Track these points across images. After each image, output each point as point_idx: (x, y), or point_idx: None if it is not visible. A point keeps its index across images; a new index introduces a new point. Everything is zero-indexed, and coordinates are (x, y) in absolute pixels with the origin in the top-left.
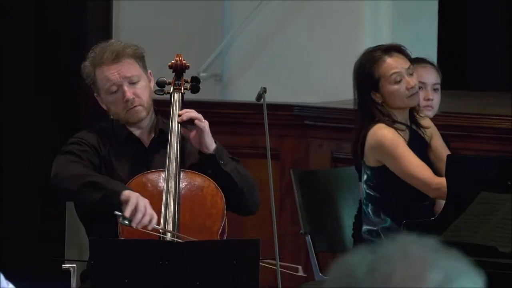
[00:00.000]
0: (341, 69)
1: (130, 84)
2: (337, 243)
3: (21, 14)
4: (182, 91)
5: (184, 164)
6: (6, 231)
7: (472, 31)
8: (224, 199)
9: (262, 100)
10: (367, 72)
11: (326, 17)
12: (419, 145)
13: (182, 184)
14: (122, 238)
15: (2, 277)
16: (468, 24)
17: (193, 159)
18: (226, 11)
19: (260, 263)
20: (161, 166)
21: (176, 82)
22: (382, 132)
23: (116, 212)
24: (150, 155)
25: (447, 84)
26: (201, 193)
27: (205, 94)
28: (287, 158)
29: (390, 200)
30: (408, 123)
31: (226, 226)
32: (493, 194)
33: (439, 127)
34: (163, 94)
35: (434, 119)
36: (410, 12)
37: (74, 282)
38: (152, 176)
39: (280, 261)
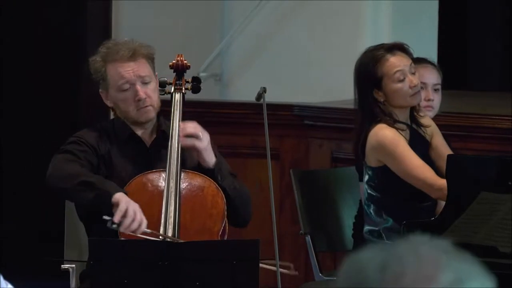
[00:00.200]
0: (341, 69)
1: (142, 83)
2: (337, 243)
3: (21, 14)
4: (183, 91)
5: (185, 164)
6: (5, 231)
7: (472, 31)
8: (224, 200)
9: (262, 100)
10: (369, 71)
11: (326, 17)
12: (420, 145)
13: (183, 184)
14: (122, 239)
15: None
16: (469, 24)
17: (194, 160)
18: (225, 11)
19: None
20: (162, 166)
21: (177, 82)
22: (383, 133)
23: (105, 217)
24: (151, 155)
25: (448, 84)
26: (202, 193)
27: (205, 94)
28: (287, 158)
29: (392, 200)
30: (409, 123)
31: (227, 227)
32: (493, 194)
33: (440, 127)
34: (163, 94)
35: (434, 119)
36: (410, 12)
37: (73, 283)
38: (153, 176)
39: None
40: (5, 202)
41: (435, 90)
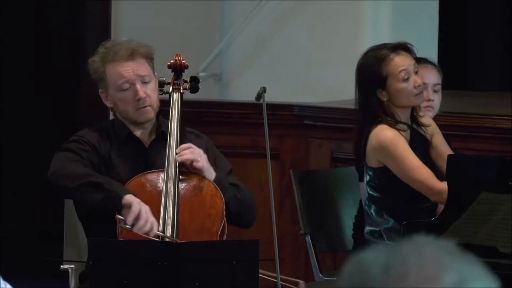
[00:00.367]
0: (341, 69)
1: (142, 83)
2: (337, 244)
3: (21, 14)
4: (181, 91)
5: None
6: (5, 231)
7: (472, 31)
8: (223, 199)
9: (261, 100)
10: (374, 70)
11: (326, 17)
12: (420, 145)
13: (181, 185)
14: (121, 239)
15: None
16: (469, 24)
17: None
18: (225, 10)
19: (260, 275)
20: (161, 166)
21: (175, 82)
22: (384, 133)
23: (119, 216)
24: (150, 155)
25: (448, 84)
26: (200, 193)
27: (205, 94)
28: (287, 158)
29: (393, 201)
30: (409, 123)
31: (226, 227)
32: (493, 194)
33: (440, 127)
34: (162, 94)
35: (434, 119)
36: (410, 12)
37: (72, 283)
38: (151, 176)
39: (279, 261)
40: (5, 202)
41: (435, 90)
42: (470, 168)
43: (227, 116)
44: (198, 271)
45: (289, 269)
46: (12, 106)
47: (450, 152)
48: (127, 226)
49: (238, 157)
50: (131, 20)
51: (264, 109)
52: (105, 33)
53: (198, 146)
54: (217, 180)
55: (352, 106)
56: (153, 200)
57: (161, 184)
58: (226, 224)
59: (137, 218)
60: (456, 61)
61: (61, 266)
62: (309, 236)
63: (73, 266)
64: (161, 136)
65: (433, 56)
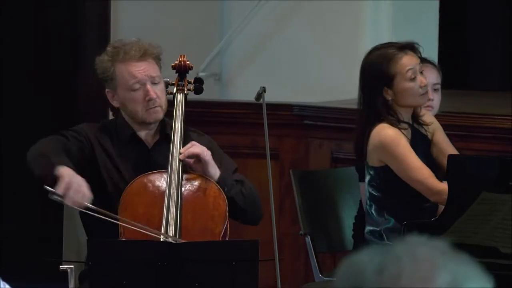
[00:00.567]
0: (341, 69)
1: (152, 84)
2: (337, 244)
3: (21, 14)
4: (185, 92)
5: (187, 165)
6: (5, 232)
7: (472, 30)
8: (226, 201)
9: (261, 99)
10: (381, 69)
11: (326, 17)
12: (421, 143)
13: (185, 186)
14: (121, 239)
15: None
16: (469, 23)
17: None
18: (225, 10)
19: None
20: (163, 168)
21: (180, 83)
22: (385, 132)
23: (46, 187)
24: (153, 156)
25: (448, 84)
26: (204, 195)
27: (204, 93)
28: (286, 158)
29: (394, 200)
30: (411, 122)
31: (228, 228)
32: (494, 195)
33: None
34: (166, 95)
35: None
36: (411, 12)
37: (72, 283)
38: (154, 177)
39: (279, 262)
40: (5, 202)
41: (435, 90)
42: (470, 168)
43: (227, 116)
44: (197, 272)
45: (289, 269)
46: (12, 106)
47: (452, 148)
48: (57, 198)
49: (238, 157)
50: (130, 20)
51: (264, 109)
52: (104, 33)
53: (201, 144)
54: (222, 178)
55: (352, 106)
56: (156, 201)
57: (164, 185)
58: (228, 225)
59: (67, 187)
60: (456, 61)
61: (61, 266)
62: (309, 237)
63: (72, 266)
64: (165, 137)
65: (433, 56)
